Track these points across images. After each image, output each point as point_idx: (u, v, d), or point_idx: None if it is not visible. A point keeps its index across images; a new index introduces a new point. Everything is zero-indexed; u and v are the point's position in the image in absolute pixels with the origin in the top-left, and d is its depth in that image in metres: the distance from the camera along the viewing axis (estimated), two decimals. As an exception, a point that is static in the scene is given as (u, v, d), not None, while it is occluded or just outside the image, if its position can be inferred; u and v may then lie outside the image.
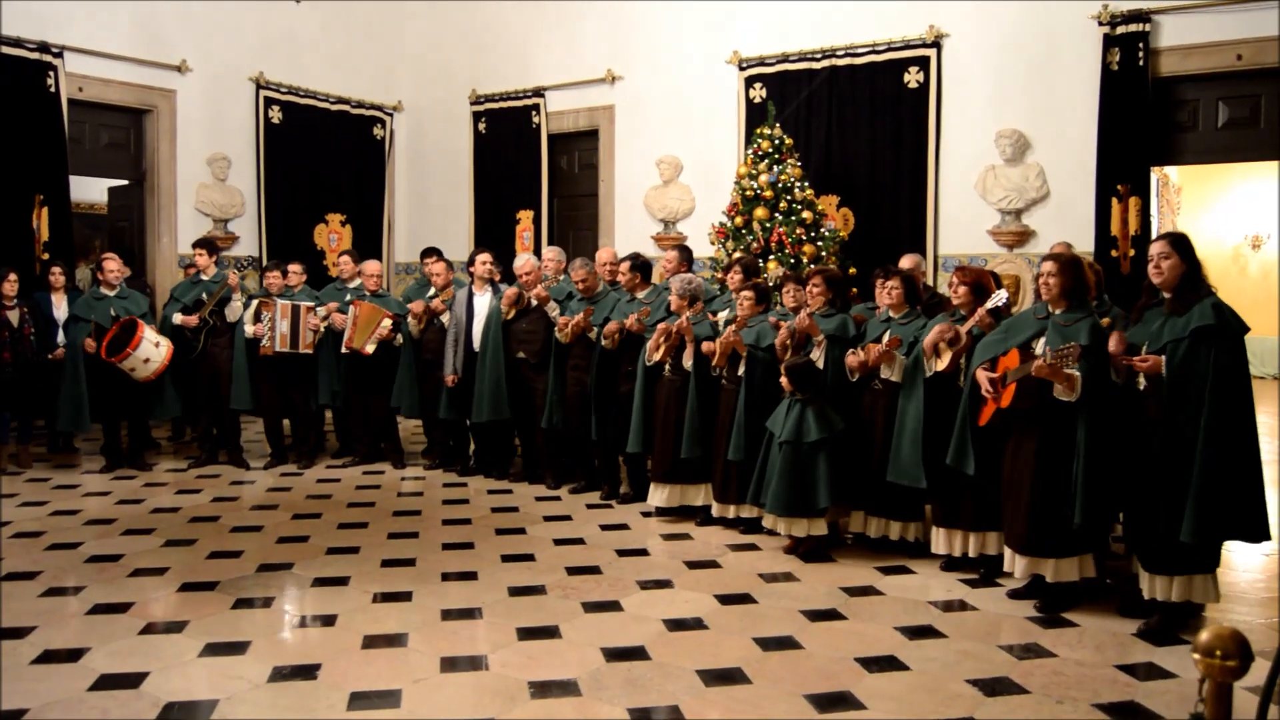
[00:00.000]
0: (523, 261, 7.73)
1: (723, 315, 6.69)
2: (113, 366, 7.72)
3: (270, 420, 8.55)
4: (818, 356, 6.03)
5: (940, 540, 5.60)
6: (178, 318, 8.25)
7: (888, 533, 5.93)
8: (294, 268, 8.54)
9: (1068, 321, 4.86)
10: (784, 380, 5.84)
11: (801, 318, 6.05)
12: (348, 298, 8.44)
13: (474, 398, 7.68)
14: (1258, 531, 4.55)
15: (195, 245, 8.64)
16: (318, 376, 8.37)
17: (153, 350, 7.78)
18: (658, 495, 6.81)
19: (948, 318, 5.64)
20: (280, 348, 8.03)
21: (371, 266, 8.57)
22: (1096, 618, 4.82)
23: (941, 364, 5.45)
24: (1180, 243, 4.68)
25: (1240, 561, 5.81)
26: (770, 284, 7.48)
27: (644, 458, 7.02)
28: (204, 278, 8.43)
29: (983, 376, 5.04)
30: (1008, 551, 5.09)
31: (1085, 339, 4.74)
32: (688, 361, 6.54)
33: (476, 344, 7.78)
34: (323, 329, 8.23)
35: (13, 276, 7.98)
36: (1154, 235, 8.56)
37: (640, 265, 7.34)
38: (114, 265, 8.26)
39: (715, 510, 6.52)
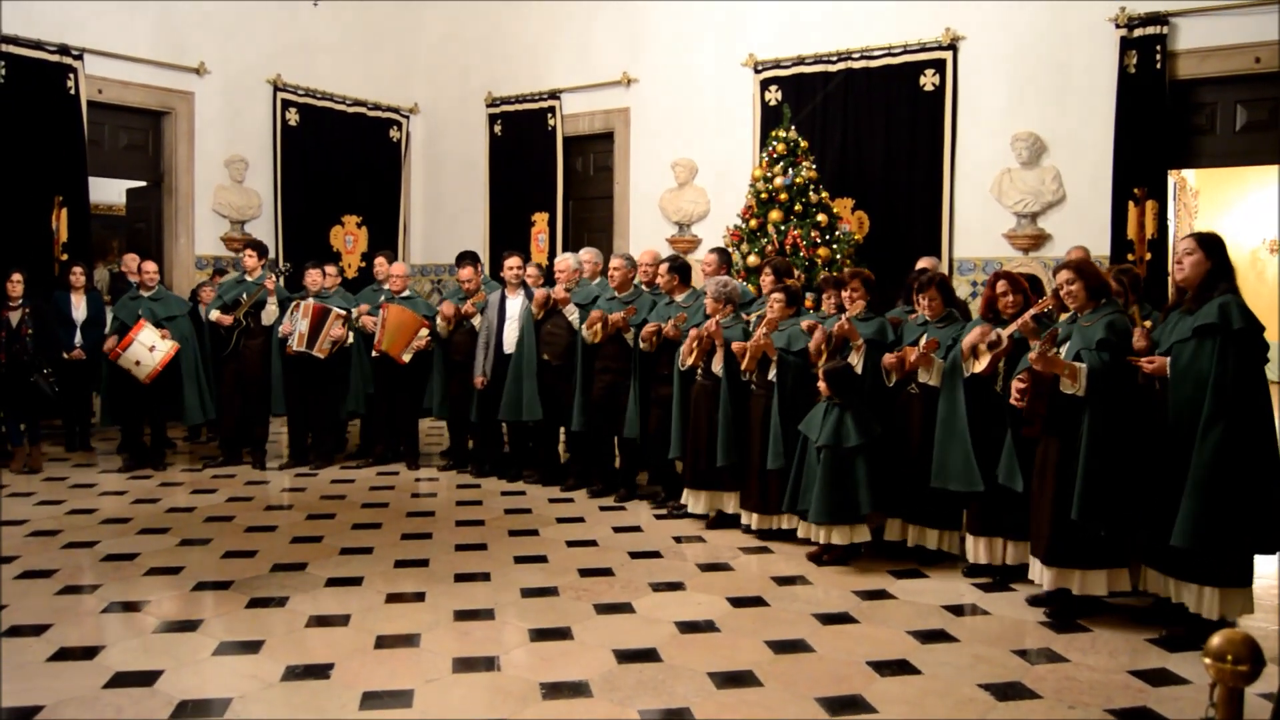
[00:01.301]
0: (561, 260, 7.76)
1: (754, 317, 6.62)
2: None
3: (295, 422, 8.58)
4: (856, 361, 5.92)
5: (975, 548, 5.49)
6: (214, 314, 8.30)
7: (923, 541, 5.78)
8: (329, 269, 8.59)
9: (1090, 321, 4.79)
10: (821, 385, 5.76)
11: (841, 322, 5.94)
12: (381, 299, 8.45)
13: (508, 398, 7.65)
14: (1271, 541, 4.47)
15: (246, 246, 8.65)
16: (349, 383, 8.37)
17: (144, 353, 7.81)
18: (694, 502, 6.68)
19: (983, 322, 5.52)
20: (298, 346, 8.06)
21: (399, 268, 8.57)
22: (1109, 624, 4.79)
23: (979, 366, 5.31)
24: (1207, 241, 4.57)
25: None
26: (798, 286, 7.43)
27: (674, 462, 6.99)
28: (248, 278, 8.47)
29: (1015, 386, 4.95)
30: (1033, 561, 5.00)
31: (1101, 333, 4.67)
32: (717, 366, 6.43)
33: (507, 347, 7.78)
34: (350, 339, 8.24)
35: (17, 277, 8.03)
36: (1171, 239, 8.53)
37: (679, 267, 7.23)
38: (152, 267, 8.36)
39: (756, 523, 6.30)
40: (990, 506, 5.36)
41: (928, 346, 5.60)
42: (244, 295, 8.31)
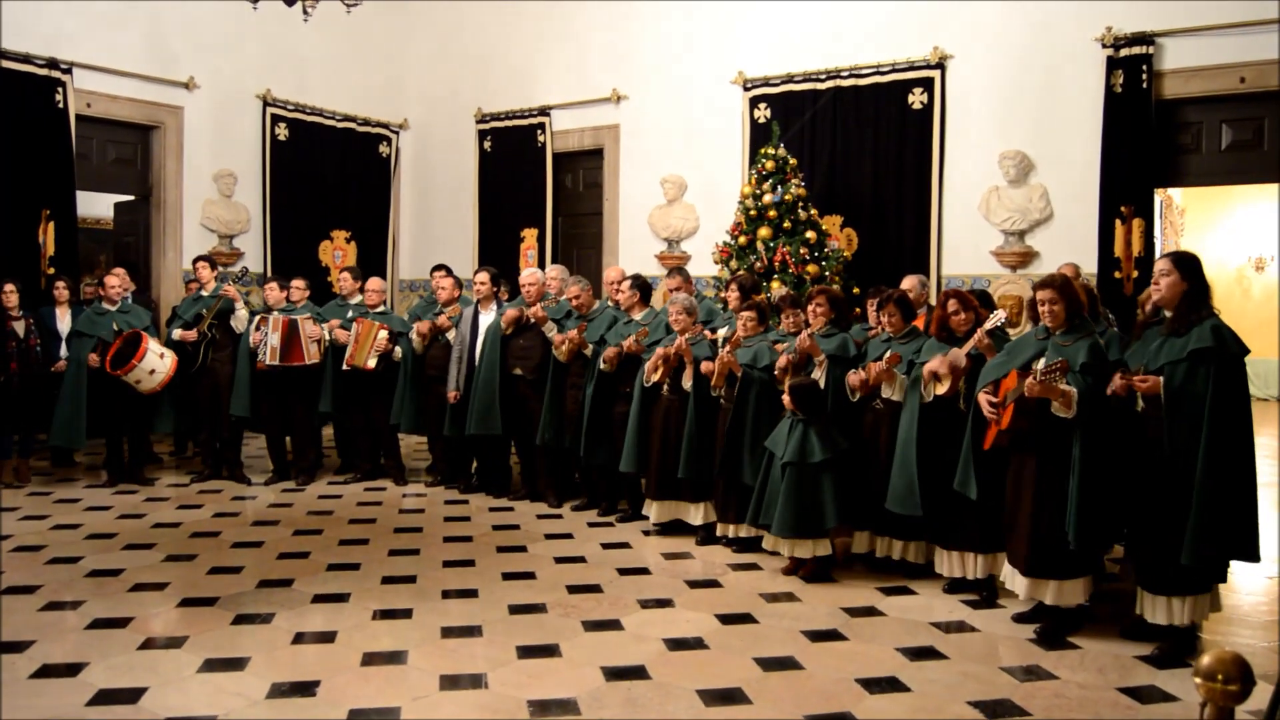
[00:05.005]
0: (528, 275, 7.77)
1: (721, 333, 6.67)
2: (115, 380, 7.73)
3: (272, 436, 8.55)
4: (819, 377, 6.01)
5: (944, 561, 5.57)
6: (178, 333, 8.26)
7: (890, 553, 5.90)
8: (297, 283, 8.56)
9: (1067, 342, 4.85)
10: (787, 400, 5.81)
11: (803, 338, 6.04)
12: (349, 314, 8.44)
13: (467, 411, 7.72)
14: (1249, 551, 4.52)
15: (195, 260, 8.67)
16: (320, 387, 8.33)
17: (158, 362, 7.80)
18: (653, 511, 6.83)
19: (941, 346, 5.57)
20: (270, 360, 8.04)
21: (374, 283, 8.58)
22: (1099, 640, 4.79)
23: (942, 388, 5.43)
24: (1182, 261, 4.64)
25: (1242, 584, 5.79)
26: (771, 302, 7.47)
27: (639, 477, 7.03)
28: (204, 293, 8.45)
29: (984, 400, 5.02)
30: (1011, 573, 5.06)
31: (1085, 357, 4.73)
32: (687, 382, 6.53)
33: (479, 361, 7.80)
34: (327, 338, 8.24)
35: (10, 287, 7.98)
36: (1157, 257, 8.57)
37: (641, 285, 7.36)
38: (115, 281, 8.30)
39: (718, 529, 6.51)
40: (958, 520, 5.42)
41: (889, 361, 5.66)
42: (204, 310, 8.29)
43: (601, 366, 7.07)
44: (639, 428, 6.77)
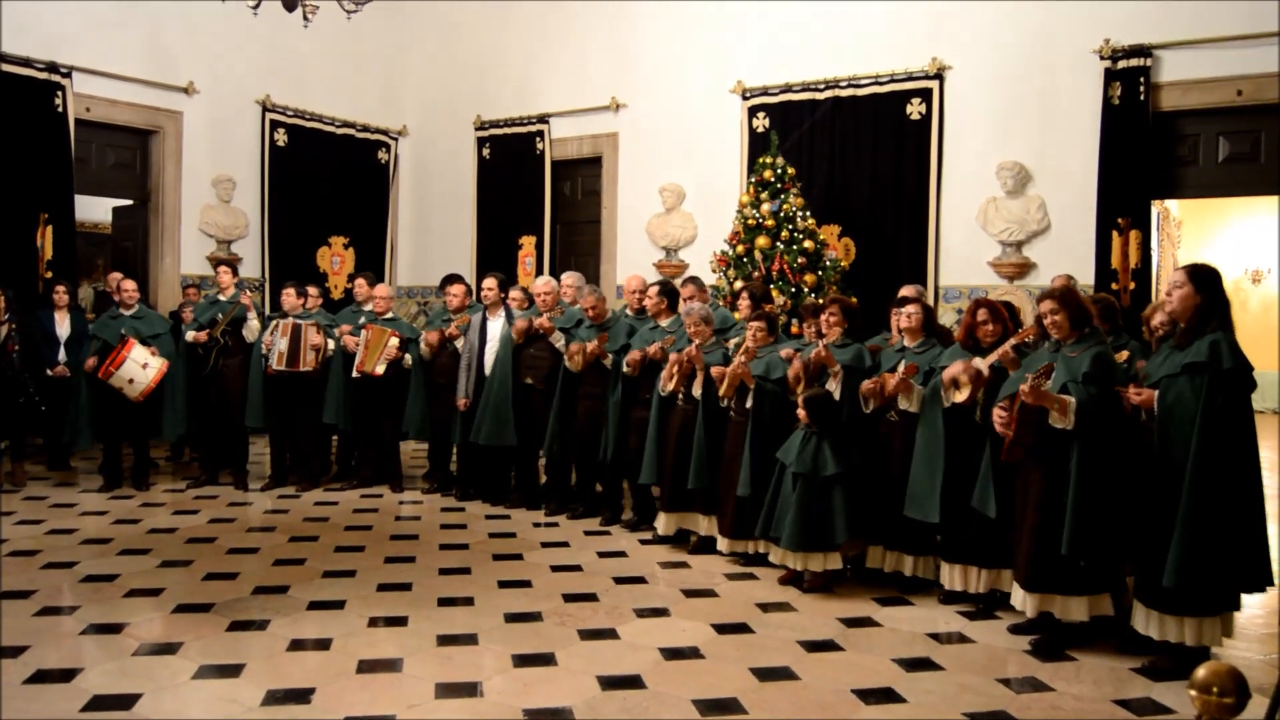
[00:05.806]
0: (542, 282, 7.76)
1: (733, 343, 6.62)
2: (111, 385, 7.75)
3: (275, 441, 8.54)
4: (834, 388, 5.91)
5: (950, 575, 5.50)
6: (190, 335, 8.28)
7: (901, 568, 5.78)
8: (311, 290, 8.57)
9: (1076, 352, 4.77)
10: (801, 412, 5.74)
11: (818, 349, 5.94)
12: (362, 320, 8.43)
13: (476, 419, 7.69)
14: (1258, 580, 4.42)
15: (217, 265, 8.69)
16: (325, 395, 8.30)
17: (138, 371, 7.77)
18: (662, 523, 6.73)
19: (964, 352, 5.51)
20: (277, 365, 8.04)
21: (381, 290, 8.57)
22: (1095, 653, 4.79)
23: (960, 396, 5.31)
24: (1198, 274, 4.53)
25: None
26: (778, 312, 7.44)
27: (650, 487, 6.99)
28: (221, 298, 8.45)
29: (996, 413, 4.95)
30: (1015, 587, 4.99)
31: (1086, 366, 4.65)
32: (697, 390, 6.45)
33: (488, 369, 7.78)
34: (330, 349, 8.22)
35: None
36: (1154, 268, 8.60)
37: (669, 291, 7.28)
38: (131, 286, 8.32)
39: (726, 546, 6.30)
40: (964, 534, 5.37)
41: (906, 371, 5.60)
42: (219, 314, 8.29)
43: (625, 370, 7.02)
44: (658, 438, 6.69)
